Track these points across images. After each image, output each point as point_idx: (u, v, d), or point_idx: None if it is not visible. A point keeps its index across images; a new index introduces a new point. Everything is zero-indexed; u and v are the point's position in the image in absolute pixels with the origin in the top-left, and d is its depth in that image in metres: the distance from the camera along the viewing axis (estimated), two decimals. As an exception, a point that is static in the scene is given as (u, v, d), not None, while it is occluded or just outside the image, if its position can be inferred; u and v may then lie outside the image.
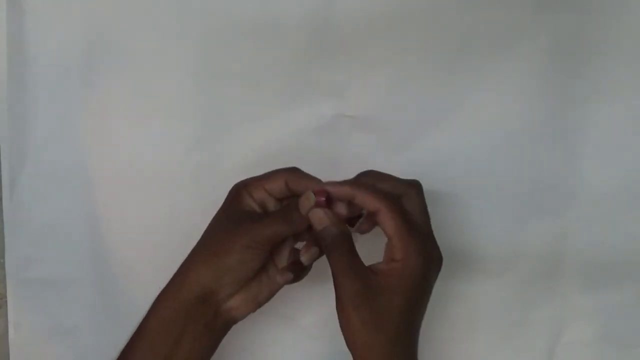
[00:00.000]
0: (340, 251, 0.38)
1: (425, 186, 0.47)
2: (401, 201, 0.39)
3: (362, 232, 0.42)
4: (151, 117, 0.48)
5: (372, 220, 0.41)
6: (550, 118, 0.46)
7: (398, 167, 0.47)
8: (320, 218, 0.39)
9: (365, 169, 0.47)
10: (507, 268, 0.48)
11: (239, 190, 0.41)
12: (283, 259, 0.42)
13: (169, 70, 0.48)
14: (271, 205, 0.41)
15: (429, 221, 0.40)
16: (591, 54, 0.45)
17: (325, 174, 0.48)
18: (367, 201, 0.38)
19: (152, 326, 0.40)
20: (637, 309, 0.48)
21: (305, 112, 0.47)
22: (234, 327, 0.50)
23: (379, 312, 0.37)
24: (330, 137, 0.47)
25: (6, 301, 0.52)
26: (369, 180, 0.40)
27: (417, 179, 0.47)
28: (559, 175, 0.46)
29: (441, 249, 0.47)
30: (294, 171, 0.41)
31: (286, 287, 0.50)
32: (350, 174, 0.47)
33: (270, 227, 0.39)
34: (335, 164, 0.48)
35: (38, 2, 0.47)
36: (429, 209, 0.47)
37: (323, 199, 0.38)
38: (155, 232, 0.49)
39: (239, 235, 0.39)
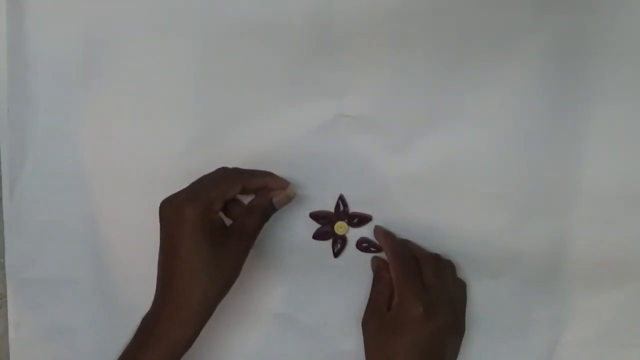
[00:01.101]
0: (375, 287, 0.46)
1: (425, 186, 0.47)
2: (415, 261, 0.45)
3: None
4: (151, 117, 0.48)
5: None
6: (550, 118, 0.45)
7: (398, 166, 0.47)
8: (372, 263, 0.48)
9: (365, 169, 0.47)
10: (507, 268, 0.48)
11: (208, 213, 0.41)
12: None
13: (169, 70, 0.48)
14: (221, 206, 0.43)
15: (447, 286, 0.45)
16: (591, 54, 0.44)
17: (326, 174, 0.48)
18: (385, 251, 0.46)
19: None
20: (637, 309, 0.48)
21: (305, 112, 0.47)
22: (234, 328, 0.50)
23: (388, 347, 0.43)
24: (330, 137, 0.47)
25: (6, 301, 0.52)
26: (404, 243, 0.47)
27: (417, 178, 0.47)
28: (559, 175, 0.46)
29: (441, 249, 0.47)
30: (241, 173, 0.44)
31: (286, 287, 0.50)
32: (350, 174, 0.48)
33: (253, 234, 0.43)
34: (335, 164, 0.48)
35: (38, 2, 0.47)
36: (429, 208, 0.47)
37: (365, 245, 0.49)
38: (155, 232, 0.49)
39: (235, 256, 0.42)
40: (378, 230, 0.48)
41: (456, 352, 0.46)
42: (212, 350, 0.51)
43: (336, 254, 0.49)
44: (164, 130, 0.49)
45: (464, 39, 0.45)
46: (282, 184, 0.45)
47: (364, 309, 0.46)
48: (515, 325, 0.49)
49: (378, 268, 0.47)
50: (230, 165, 0.46)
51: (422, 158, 0.47)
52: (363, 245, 0.48)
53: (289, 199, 0.46)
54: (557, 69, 0.45)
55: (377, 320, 0.45)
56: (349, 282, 0.49)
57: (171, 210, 0.41)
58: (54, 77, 0.48)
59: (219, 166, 0.47)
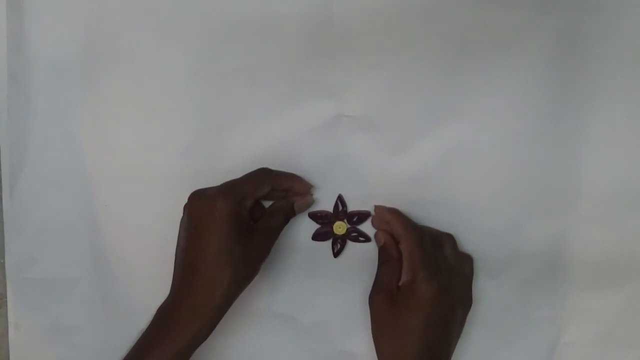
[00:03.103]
0: (384, 265, 0.46)
1: (424, 187, 0.47)
2: (428, 238, 0.44)
3: None
4: (151, 117, 0.48)
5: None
6: (550, 118, 0.46)
7: (398, 167, 0.47)
8: (379, 238, 0.48)
9: (365, 169, 0.47)
10: (507, 268, 0.48)
11: (239, 209, 0.42)
12: None
13: (169, 70, 0.48)
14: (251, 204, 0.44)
15: (452, 261, 0.45)
16: (591, 54, 0.44)
17: (326, 174, 0.48)
18: (396, 227, 0.45)
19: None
20: (637, 309, 0.48)
21: (305, 112, 0.47)
22: (234, 327, 0.51)
23: (399, 325, 0.42)
24: (330, 137, 0.47)
25: (6, 301, 0.52)
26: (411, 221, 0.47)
27: (417, 178, 0.47)
28: (559, 175, 0.46)
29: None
30: (271, 174, 0.46)
31: (286, 287, 0.50)
32: (350, 174, 0.48)
33: (276, 234, 0.45)
34: (335, 164, 0.48)
35: (38, 2, 0.47)
36: (429, 208, 0.47)
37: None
38: (155, 232, 0.49)
39: (258, 254, 0.44)
40: (381, 208, 0.47)
41: (463, 324, 0.46)
42: (212, 350, 0.51)
43: (336, 254, 0.49)
44: (164, 130, 0.49)
45: (464, 39, 0.45)
46: (306, 187, 0.47)
47: (365, 307, 0.46)
48: (515, 325, 0.49)
49: (386, 246, 0.46)
50: (230, 165, 0.46)
51: (422, 158, 0.47)
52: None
53: (308, 205, 0.48)
54: (557, 68, 0.45)
55: (387, 298, 0.44)
56: (349, 282, 0.49)
57: (202, 202, 0.42)
58: (54, 77, 0.48)
59: (219, 166, 0.47)
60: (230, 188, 0.43)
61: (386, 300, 0.44)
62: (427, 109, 0.46)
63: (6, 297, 0.52)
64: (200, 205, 0.42)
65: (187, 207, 0.43)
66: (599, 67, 0.45)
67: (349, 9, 0.45)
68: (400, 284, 0.45)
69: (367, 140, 0.47)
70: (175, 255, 0.44)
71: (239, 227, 0.42)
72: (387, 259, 0.46)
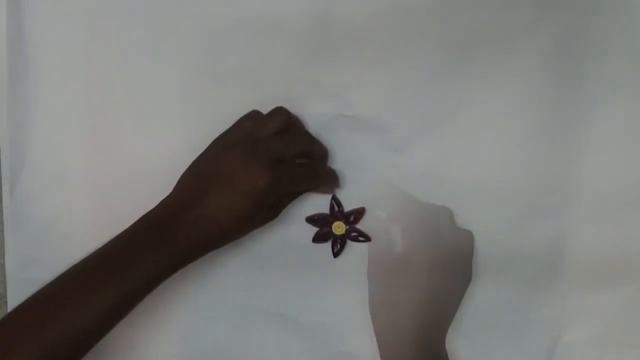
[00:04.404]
0: None
1: (424, 186, 0.47)
2: None
3: None
4: (151, 117, 0.48)
5: None
6: (550, 118, 0.46)
7: (397, 167, 0.47)
8: None
9: (365, 169, 0.47)
10: (507, 268, 0.48)
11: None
12: None
13: (169, 70, 0.48)
14: None
15: (452, 238, 0.46)
16: (591, 55, 0.44)
17: (325, 174, 0.48)
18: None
19: None
20: (637, 309, 0.48)
21: (305, 112, 0.47)
22: (234, 328, 0.50)
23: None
24: (330, 137, 0.47)
25: (6, 301, 0.52)
26: None
27: (417, 179, 0.47)
28: (559, 175, 0.46)
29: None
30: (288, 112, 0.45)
31: (286, 288, 0.50)
32: (350, 174, 0.48)
33: (306, 179, 0.46)
34: (335, 164, 0.48)
35: (38, 2, 0.47)
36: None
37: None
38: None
39: (286, 185, 0.44)
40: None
41: (460, 298, 0.46)
42: (213, 351, 0.51)
43: (336, 254, 0.49)
44: (164, 131, 0.49)
45: (464, 39, 0.45)
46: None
47: (365, 307, 0.46)
48: (515, 325, 0.49)
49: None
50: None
51: (422, 158, 0.47)
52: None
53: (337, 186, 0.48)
54: (558, 69, 0.45)
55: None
56: (349, 282, 0.49)
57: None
58: (54, 77, 0.48)
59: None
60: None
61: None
62: (426, 109, 0.46)
63: (6, 297, 0.52)
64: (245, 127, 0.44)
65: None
66: (599, 67, 0.45)
67: (349, 9, 0.45)
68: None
69: (367, 140, 0.47)
70: (191, 165, 0.43)
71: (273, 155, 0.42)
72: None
